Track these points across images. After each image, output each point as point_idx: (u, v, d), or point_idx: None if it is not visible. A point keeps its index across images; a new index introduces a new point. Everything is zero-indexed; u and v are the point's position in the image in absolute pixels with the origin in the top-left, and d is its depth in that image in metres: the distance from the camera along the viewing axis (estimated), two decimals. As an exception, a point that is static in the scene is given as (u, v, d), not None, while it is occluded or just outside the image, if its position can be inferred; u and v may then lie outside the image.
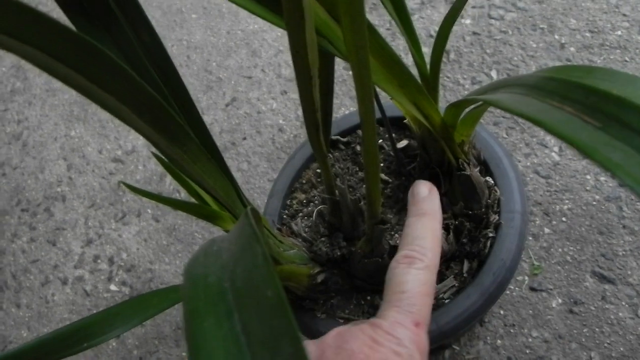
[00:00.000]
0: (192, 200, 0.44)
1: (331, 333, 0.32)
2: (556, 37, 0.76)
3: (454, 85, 0.76)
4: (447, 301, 0.42)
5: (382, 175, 0.47)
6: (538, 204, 0.66)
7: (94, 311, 0.70)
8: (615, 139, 0.18)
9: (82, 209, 0.87)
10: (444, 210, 0.44)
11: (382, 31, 0.85)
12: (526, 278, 0.63)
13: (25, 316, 0.80)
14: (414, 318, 0.31)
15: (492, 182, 0.44)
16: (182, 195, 0.81)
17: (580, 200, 0.65)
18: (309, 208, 0.48)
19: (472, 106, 0.34)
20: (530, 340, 0.60)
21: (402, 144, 0.47)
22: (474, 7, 0.82)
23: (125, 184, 0.42)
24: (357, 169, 0.49)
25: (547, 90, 0.21)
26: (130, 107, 0.20)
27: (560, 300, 0.61)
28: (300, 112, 0.82)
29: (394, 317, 0.31)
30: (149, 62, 0.27)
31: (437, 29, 0.39)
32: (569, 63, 0.73)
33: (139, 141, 0.90)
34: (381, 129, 0.51)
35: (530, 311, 0.61)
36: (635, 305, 0.58)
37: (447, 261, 0.43)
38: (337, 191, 0.39)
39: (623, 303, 0.59)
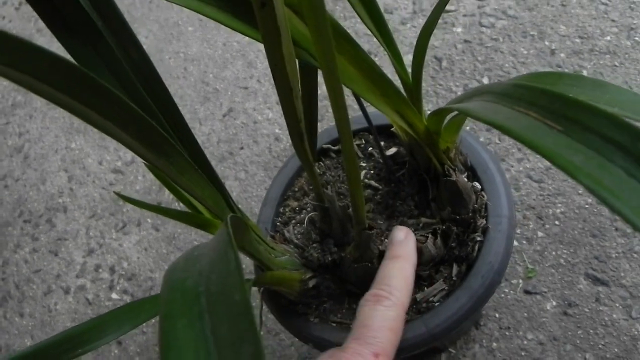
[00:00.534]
0: (187, 210, 0.45)
1: None
2: (546, 43, 0.77)
3: (447, 92, 0.77)
4: (436, 304, 0.42)
5: (372, 182, 0.48)
6: (531, 208, 0.67)
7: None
8: (577, 142, 0.19)
9: (83, 220, 0.89)
10: (432, 216, 0.45)
11: (374, 41, 0.87)
12: (520, 281, 0.63)
13: (29, 325, 0.82)
14: (373, 349, 0.33)
15: (479, 187, 0.45)
16: (182, 204, 0.82)
17: (572, 204, 0.66)
18: (301, 215, 0.49)
19: (452, 114, 0.35)
20: (525, 342, 0.60)
21: (391, 151, 0.48)
22: (465, 15, 0.84)
23: (120, 194, 0.43)
24: (346, 177, 0.50)
25: (515, 97, 0.22)
26: (114, 123, 0.21)
27: (554, 303, 0.61)
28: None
29: (354, 348, 0.33)
30: (137, 78, 0.28)
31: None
32: (559, 69, 0.74)
33: (139, 152, 0.92)
34: (371, 137, 0.52)
35: (525, 314, 0.62)
36: (628, 306, 0.59)
37: (437, 265, 0.44)
38: (325, 199, 0.40)
39: (617, 305, 0.59)
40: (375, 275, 0.39)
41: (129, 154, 0.92)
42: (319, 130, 0.46)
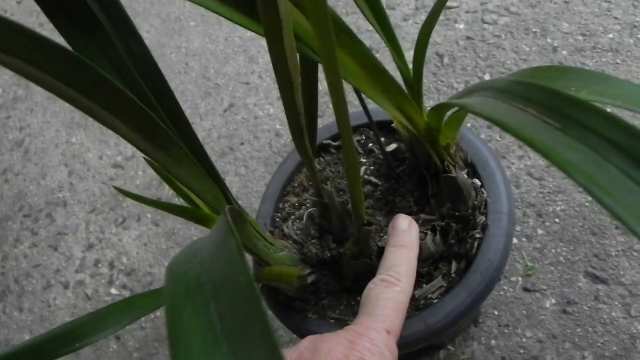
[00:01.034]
0: (187, 205, 0.45)
1: (306, 339, 0.36)
2: (549, 40, 0.76)
3: (448, 89, 0.77)
4: (435, 301, 0.42)
5: (372, 178, 0.48)
6: (531, 206, 0.67)
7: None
8: (573, 139, 0.19)
9: (83, 214, 0.88)
10: (431, 212, 0.45)
11: (375, 37, 0.86)
12: (520, 279, 0.63)
13: (28, 320, 0.82)
14: (385, 325, 0.35)
15: (479, 183, 0.45)
16: (181, 200, 0.82)
17: (573, 202, 0.66)
18: (301, 211, 0.49)
19: (453, 110, 0.34)
20: (524, 340, 0.60)
21: (392, 147, 0.48)
22: (467, 12, 0.83)
23: (120, 189, 0.43)
24: (345, 173, 0.49)
25: (514, 94, 0.22)
26: (115, 114, 0.21)
27: (553, 301, 0.61)
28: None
29: (367, 323, 0.35)
30: (138, 72, 0.28)
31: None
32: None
33: (139, 147, 0.92)
34: (371, 132, 0.52)
35: (524, 311, 0.62)
36: (628, 304, 0.59)
37: (436, 262, 0.44)
38: (325, 194, 0.40)
39: (616, 303, 0.59)
40: (379, 264, 0.39)
41: (129, 149, 0.92)
42: (320, 125, 0.46)
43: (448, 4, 0.83)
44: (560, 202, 0.66)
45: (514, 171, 0.69)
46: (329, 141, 0.52)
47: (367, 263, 0.40)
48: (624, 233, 0.62)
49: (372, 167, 0.49)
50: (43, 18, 1.14)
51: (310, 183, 0.51)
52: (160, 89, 0.30)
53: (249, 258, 0.67)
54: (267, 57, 0.93)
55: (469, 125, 0.73)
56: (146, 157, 0.29)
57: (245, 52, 0.95)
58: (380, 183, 0.48)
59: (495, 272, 0.42)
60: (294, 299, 0.44)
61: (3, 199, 0.95)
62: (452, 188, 0.42)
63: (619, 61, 0.72)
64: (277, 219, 0.50)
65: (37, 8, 1.00)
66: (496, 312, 0.62)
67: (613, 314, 0.59)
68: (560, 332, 0.60)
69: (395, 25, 0.85)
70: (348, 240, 0.42)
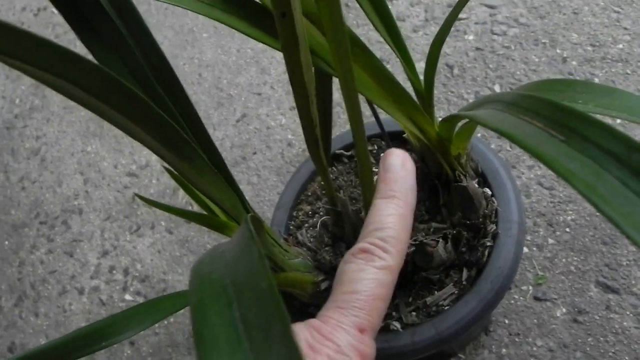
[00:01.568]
0: (203, 212, 0.46)
1: None
2: (558, 51, 0.77)
3: (458, 99, 0.78)
4: (446, 308, 0.43)
5: (384, 187, 0.49)
6: (542, 215, 0.67)
7: (109, 321, 0.72)
8: (576, 151, 0.20)
9: (98, 222, 0.90)
10: (442, 221, 0.45)
11: (386, 48, 0.87)
12: (530, 288, 0.64)
13: (43, 325, 0.83)
14: (359, 323, 0.27)
15: (490, 193, 0.45)
16: (195, 208, 0.83)
17: (583, 211, 0.66)
18: (314, 219, 0.50)
19: (463, 121, 0.35)
20: (535, 349, 0.61)
21: (403, 157, 0.49)
22: (476, 23, 0.84)
23: (139, 196, 0.44)
24: (360, 182, 0.50)
25: (522, 107, 0.23)
26: (141, 126, 0.22)
27: (564, 310, 0.62)
28: (308, 127, 0.84)
29: (336, 320, 0.28)
30: (158, 83, 0.29)
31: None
32: (570, 77, 0.74)
33: (153, 156, 0.93)
34: (383, 142, 0.53)
35: (535, 320, 0.62)
36: (639, 314, 0.59)
37: (447, 269, 0.44)
38: (338, 203, 0.41)
39: (627, 312, 0.60)
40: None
41: (143, 158, 0.94)
42: (332, 136, 0.47)
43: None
44: (570, 212, 0.66)
45: (525, 181, 0.70)
46: (342, 151, 0.53)
47: (380, 270, 0.41)
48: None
49: (383, 177, 0.50)
50: (59, 30, 1.17)
51: (324, 192, 0.52)
52: (180, 101, 0.32)
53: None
54: (279, 68, 0.94)
55: (479, 135, 0.74)
56: (165, 165, 0.30)
57: (258, 63, 0.97)
58: (392, 192, 0.49)
59: (505, 280, 0.43)
60: (308, 305, 0.45)
61: (20, 207, 0.97)
62: (463, 197, 0.43)
63: (629, 71, 0.72)
64: (291, 227, 0.51)
65: (53, 20, 1.02)
66: (507, 321, 0.63)
67: (625, 323, 0.59)
68: (571, 341, 0.60)
69: (405, 36, 0.87)
70: (360, 248, 0.43)
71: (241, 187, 0.86)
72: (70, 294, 0.84)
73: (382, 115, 0.45)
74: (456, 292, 0.43)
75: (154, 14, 1.10)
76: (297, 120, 0.87)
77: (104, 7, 0.28)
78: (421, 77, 0.39)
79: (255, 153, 0.86)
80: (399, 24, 0.90)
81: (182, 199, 0.86)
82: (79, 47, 0.89)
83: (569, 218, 0.66)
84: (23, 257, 0.91)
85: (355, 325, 0.27)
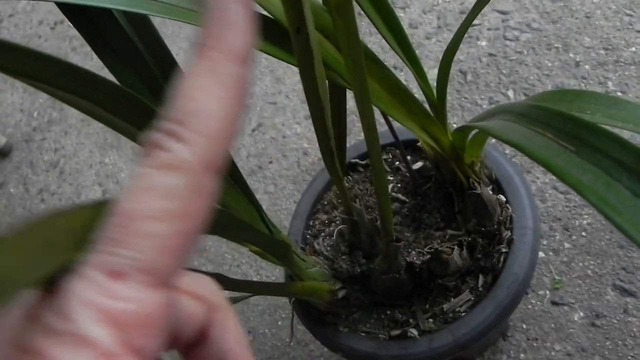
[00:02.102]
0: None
1: None
2: (571, 55, 0.77)
3: (472, 105, 0.79)
4: (463, 314, 0.43)
5: (399, 196, 0.50)
6: (557, 220, 0.67)
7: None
8: (586, 162, 0.20)
9: (118, 233, 0.91)
10: (457, 228, 0.46)
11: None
12: (547, 292, 0.64)
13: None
14: (120, 265, 0.14)
15: (504, 199, 0.46)
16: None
17: (599, 215, 0.66)
18: (331, 228, 0.51)
19: (475, 130, 0.36)
20: (553, 353, 0.61)
21: (417, 165, 0.49)
22: (489, 29, 0.85)
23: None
24: (374, 190, 0.51)
25: (532, 118, 0.24)
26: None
27: (582, 314, 0.62)
28: (323, 135, 0.85)
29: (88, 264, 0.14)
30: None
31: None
32: (584, 81, 0.74)
33: (171, 166, 0.94)
34: (398, 151, 0.53)
35: (553, 325, 0.62)
36: (657, 318, 0.59)
37: (463, 276, 0.45)
38: (354, 212, 0.42)
39: (645, 316, 0.59)
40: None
41: (161, 169, 0.95)
42: (347, 144, 0.48)
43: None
44: (586, 216, 0.66)
45: (540, 185, 0.70)
46: (357, 160, 0.54)
47: (396, 278, 0.42)
48: (652, 246, 0.62)
49: (399, 185, 0.51)
50: (76, 43, 1.19)
51: (340, 201, 0.52)
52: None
53: (281, 272, 0.69)
54: (294, 78, 0.95)
55: (493, 142, 0.74)
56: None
57: (272, 72, 0.98)
58: (407, 200, 0.49)
59: (521, 286, 0.43)
60: (325, 313, 0.45)
61: (41, 219, 0.99)
62: (478, 204, 0.43)
63: (642, 74, 0.72)
64: (308, 236, 0.52)
65: (70, 34, 1.03)
66: (525, 326, 0.63)
67: (643, 327, 0.59)
68: (589, 345, 0.60)
69: (418, 44, 0.87)
70: (377, 256, 0.43)
71: (258, 196, 0.87)
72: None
73: (396, 123, 0.46)
74: (472, 298, 0.44)
75: (168, 26, 1.12)
76: (313, 129, 0.88)
77: (119, 20, 0.29)
78: (433, 85, 0.39)
79: (271, 162, 0.87)
80: (411, 31, 0.91)
81: (199, 208, 0.87)
82: (95, 60, 0.91)
83: (585, 222, 0.66)
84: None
85: (108, 271, 0.14)
